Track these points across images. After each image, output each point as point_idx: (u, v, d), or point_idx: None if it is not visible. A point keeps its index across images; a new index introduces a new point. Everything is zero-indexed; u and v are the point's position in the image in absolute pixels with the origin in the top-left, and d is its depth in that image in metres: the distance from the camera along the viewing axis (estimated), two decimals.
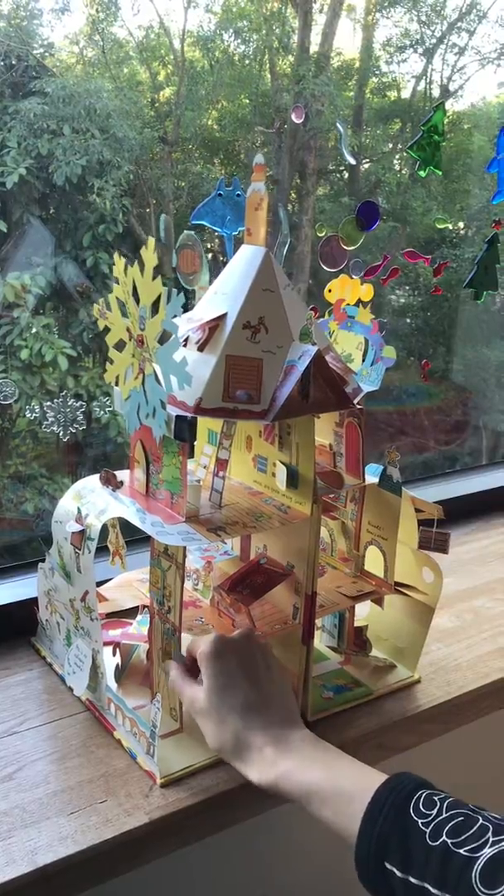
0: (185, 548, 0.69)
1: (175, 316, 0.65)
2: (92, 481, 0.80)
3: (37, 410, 2.30)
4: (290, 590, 0.79)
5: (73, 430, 1.11)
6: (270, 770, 0.65)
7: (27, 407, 2.32)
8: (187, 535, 0.69)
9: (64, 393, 2.25)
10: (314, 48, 2.95)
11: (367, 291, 0.83)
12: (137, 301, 0.66)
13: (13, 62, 2.35)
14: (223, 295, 0.72)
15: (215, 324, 0.71)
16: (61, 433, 1.08)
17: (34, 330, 2.31)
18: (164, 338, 0.65)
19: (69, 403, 1.09)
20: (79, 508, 0.76)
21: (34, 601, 0.88)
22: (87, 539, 0.74)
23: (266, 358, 0.71)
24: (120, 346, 0.70)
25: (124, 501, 0.75)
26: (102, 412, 2.34)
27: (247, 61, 2.98)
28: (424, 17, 3.19)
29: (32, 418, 2.34)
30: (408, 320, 3.04)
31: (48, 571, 0.82)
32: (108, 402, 2.40)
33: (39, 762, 0.73)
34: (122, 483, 0.78)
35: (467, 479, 1.46)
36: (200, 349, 0.71)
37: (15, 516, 2.35)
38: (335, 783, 0.63)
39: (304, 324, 0.75)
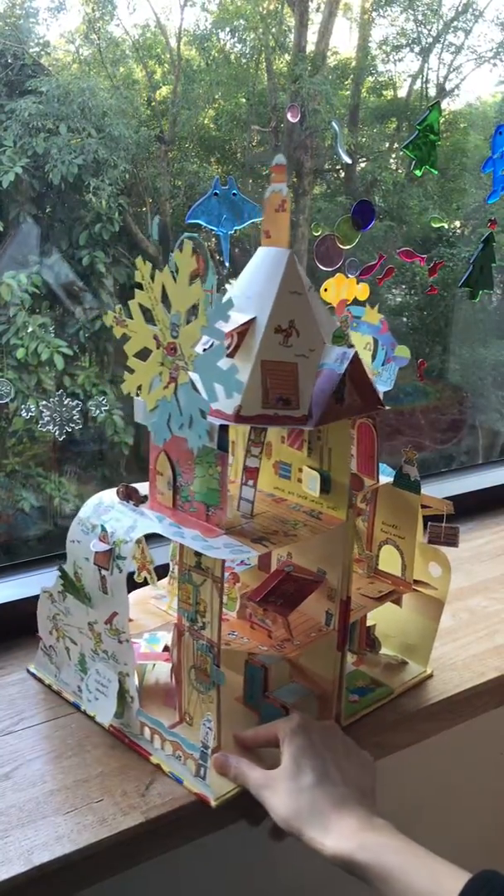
0: (223, 561, 0.67)
1: (218, 322, 0.62)
2: (108, 496, 0.77)
3: (33, 410, 2.30)
4: (322, 596, 0.78)
5: (70, 430, 1.11)
6: (350, 839, 0.62)
7: (23, 406, 2.32)
8: (235, 547, 0.68)
9: (60, 392, 2.25)
10: (310, 47, 2.95)
11: (362, 291, 0.83)
12: (167, 307, 0.64)
13: (9, 61, 2.34)
14: (248, 299, 0.70)
15: (245, 328, 0.69)
16: (57, 432, 1.08)
17: (30, 329, 2.30)
18: None
19: (65, 402, 1.09)
20: (103, 526, 0.73)
21: (28, 601, 0.88)
22: (115, 558, 0.71)
23: (300, 362, 0.70)
24: (142, 354, 0.68)
25: (151, 517, 0.73)
26: (98, 411, 2.34)
27: (243, 60, 2.98)
28: (421, 16, 3.19)
29: (28, 417, 2.34)
30: (404, 319, 3.04)
31: (56, 595, 0.79)
32: (104, 402, 2.40)
33: (35, 761, 0.73)
34: (145, 498, 0.75)
35: (463, 478, 1.47)
36: (230, 355, 0.69)
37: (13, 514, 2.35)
38: (419, 871, 0.60)
39: (332, 326, 0.74)
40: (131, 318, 0.68)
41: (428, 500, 0.84)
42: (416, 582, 0.87)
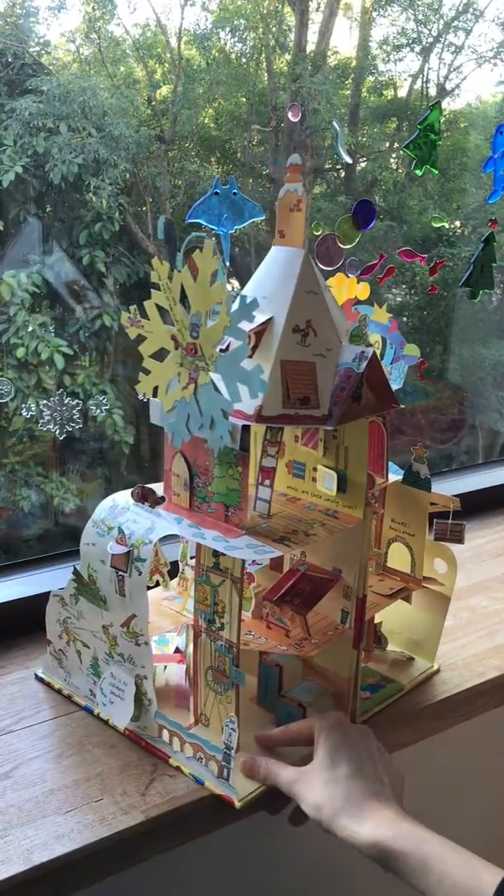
0: (243, 561, 0.67)
1: (242, 322, 0.62)
2: (121, 498, 0.76)
3: (33, 409, 2.30)
4: (336, 594, 0.78)
5: (70, 429, 1.11)
6: (388, 827, 0.62)
7: (23, 405, 2.32)
8: (257, 548, 0.68)
9: (60, 391, 2.26)
10: (311, 47, 2.94)
11: (363, 290, 0.83)
12: (186, 308, 0.64)
13: (9, 60, 2.34)
14: (263, 299, 0.70)
15: (262, 328, 0.69)
16: (57, 431, 1.08)
17: (30, 328, 2.30)
18: None
19: (65, 402, 1.09)
20: (120, 528, 0.73)
21: (29, 599, 0.88)
22: (135, 561, 0.71)
23: (318, 361, 0.70)
24: (158, 355, 0.68)
25: (169, 518, 0.72)
26: (98, 410, 2.34)
27: (243, 60, 2.98)
28: (421, 15, 3.18)
29: (29, 416, 2.34)
30: (404, 319, 3.04)
31: (68, 599, 0.78)
32: (104, 401, 2.40)
33: (35, 761, 0.73)
34: (162, 499, 0.75)
35: (463, 477, 1.47)
36: (249, 356, 0.68)
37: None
38: (456, 862, 0.60)
39: (346, 325, 0.74)
40: (146, 318, 0.67)
41: (435, 496, 0.85)
42: (425, 579, 0.87)
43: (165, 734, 0.73)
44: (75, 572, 0.76)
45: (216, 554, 0.69)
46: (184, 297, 0.64)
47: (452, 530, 0.85)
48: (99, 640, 0.76)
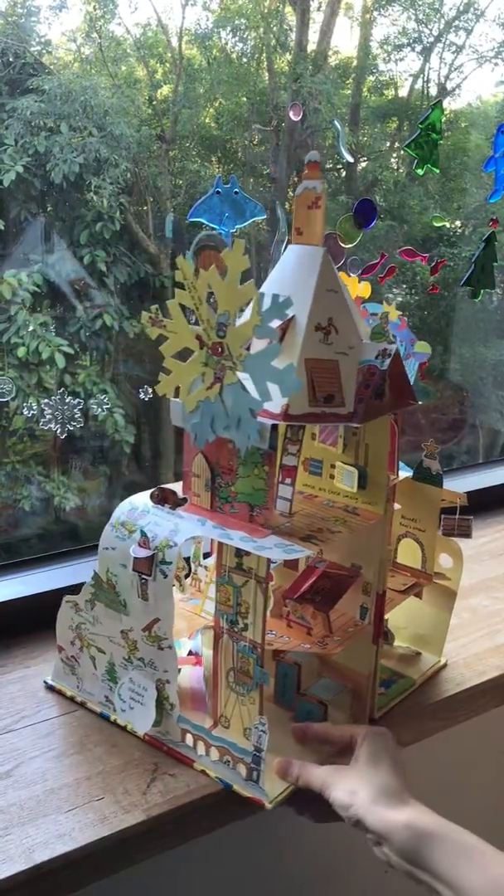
0: (268, 561, 0.67)
1: (273, 321, 0.61)
2: (139, 500, 0.75)
3: (34, 408, 2.30)
4: (355, 591, 0.78)
5: (71, 428, 1.11)
6: (429, 815, 0.63)
7: (24, 405, 2.32)
8: (287, 547, 0.67)
9: (61, 391, 2.26)
10: (312, 46, 2.94)
11: (364, 289, 0.84)
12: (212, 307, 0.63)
13: (10, 59, 2.34)
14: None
15: (284, 327, 0.69)
16: (59, 431, 1.08)
17: (31, 328, 2.31)
18: None
19: (67, 401, 1.09)
20: (143, 531, 0.71)
21: (28, 599, 0.88)
22: (160, 563, 0.69)
23: (340, 359, 0.70)
24: (181, 355, 0.66)
25: (192, 519, 0.72)
26: (100, 409, 2.34)
27: (244, 59, 2.98)
28: (422, 15, 3.18)
29: (30, 416, 2.34)
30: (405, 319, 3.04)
31: (83, 604, 0.77)
32: (104, 400, 2.40)
33: (37, 759, 0.73)
34: (184, 500, 0.74)
35: (464, 477, 1.47)
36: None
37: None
38: (496, 857, 0.60)
39: (363, 323, 0.74)
40: (167, 317, 0.66)
41: (443, 492, 0.85)
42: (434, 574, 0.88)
43: (189, 738, 0.72)
44: (95, 577, 0.75)
45: (239, 554, 0.68)
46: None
47: (460, 525, 0.86)
48: (116, 646, 0.75)
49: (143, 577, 0.71)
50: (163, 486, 0.75)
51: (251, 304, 0.62)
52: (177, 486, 0.76)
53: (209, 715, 0.75)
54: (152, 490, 0.75)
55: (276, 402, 0.66)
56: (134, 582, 0.71)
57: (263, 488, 0.69)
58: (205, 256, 0.71)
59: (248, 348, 0.65)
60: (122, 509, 0.75)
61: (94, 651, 0.78)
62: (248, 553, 0.67)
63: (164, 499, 0.74)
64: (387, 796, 0.64)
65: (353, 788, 0.66)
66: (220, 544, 0.70)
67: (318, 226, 0.72)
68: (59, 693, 0.82)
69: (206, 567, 0.88)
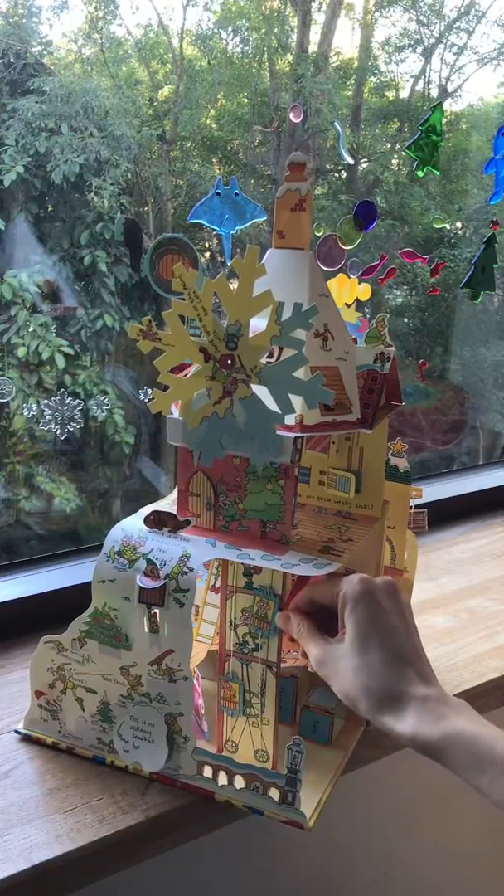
0: (283, 576, 0.65)
1: (297, 330, 0.58)
2: (131, 526, 0.69)
3: (34, 408, 2.30)
4: None
5: (71, 429, 1.11)
6: (437, 724, 0.58)
7: (24, 405, 2.32)
8: (315, 561, 0.65)
9: (61, 391, 2.26)
10: (313, 47, 2.95)
11: (364, 291, 0.84)
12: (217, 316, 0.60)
13: (11, 60, 2.35)
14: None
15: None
16: (59, 431, 1.08)
17: (31, 328, 2.31)
18: None
19: (67, 402, 1.09)
20: (148, 559, 0.66)
21: (29, 599, 0.88)
22: (174, 592, 0.64)
23: (340, 365, 0.68)
24: (179, 369, 0.63)
25: (200, 542, 0.67)
26: (100, 410, 2.34)
27: (245, 60, 2.98)
28: (423, 16, 3.19)
29: (30, 416, 2.34)
30: (405, 320, 3.04)
31: (69, 644, 0.71)
32: (105, 401, 2.41)
33: (35, 760, 0.73)
34: (187, 522, 0.69)
35: (464, 478, 1.47)
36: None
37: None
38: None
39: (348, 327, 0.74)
40: (162, 329, 0.62)
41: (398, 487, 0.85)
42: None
43: (208, 770, 0.68)
44: (93, 614, 0.69)
45: (248, 573, 0.66)
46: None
47: (415, 519, 0.86)
48: (113, 684, 0.70)
49: (155, 608, 0.66)
50: (156, 508, 0.71)
51: (267, 314, 0.59)
52: (166, 507, 0.72)
53: (210, 741, 0.73)
54: (147, 514, 0.69)
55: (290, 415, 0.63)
56: (141, 615, 0.66)
57: (279, 503, 0.66)
58: (165, 262, 0.68)
59: (271, 358, 0.62)
60: (115, 538, 0.69)
61: (80, 692, 0.72)
62: (258, 571, 0.65)
63: (162, 522, 0.69)
64: (388, 700, 0.60)
65: (351, 695, 0.61)
66: (224, 564, 0.68)
67: (305, 229, 0.69)
68: (37, 742, 0.75)
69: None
